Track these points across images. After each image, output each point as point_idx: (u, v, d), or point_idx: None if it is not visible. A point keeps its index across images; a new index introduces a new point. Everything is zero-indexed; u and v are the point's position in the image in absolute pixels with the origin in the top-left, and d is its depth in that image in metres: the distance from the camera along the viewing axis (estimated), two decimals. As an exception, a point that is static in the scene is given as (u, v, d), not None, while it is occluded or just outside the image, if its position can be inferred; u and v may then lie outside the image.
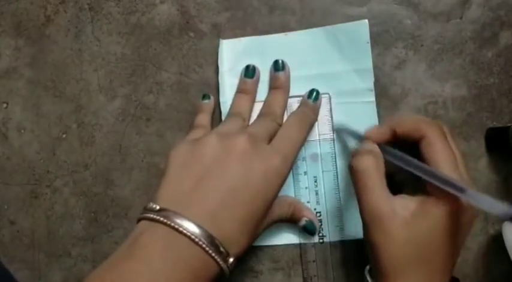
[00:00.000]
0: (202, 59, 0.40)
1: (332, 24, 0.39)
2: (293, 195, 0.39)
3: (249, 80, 0.39)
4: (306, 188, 0.39)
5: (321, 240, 0.39)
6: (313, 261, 0.39)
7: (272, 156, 0.33)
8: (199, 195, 0.31)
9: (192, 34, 0.41)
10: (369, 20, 0.39)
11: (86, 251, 0.41)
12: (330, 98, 0.39)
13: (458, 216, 0.30)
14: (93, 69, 0.41)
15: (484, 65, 0.39)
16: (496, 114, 0.39)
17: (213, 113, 0.40)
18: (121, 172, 0.41)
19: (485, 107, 0.39)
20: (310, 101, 0.39)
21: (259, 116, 0.38)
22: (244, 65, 0.39)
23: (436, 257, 0.31)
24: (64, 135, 0.41)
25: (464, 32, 0.39)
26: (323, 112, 0.39)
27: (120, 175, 0.41)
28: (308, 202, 0.39)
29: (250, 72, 0.39)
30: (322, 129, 0.39)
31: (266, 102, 0.39)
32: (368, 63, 0.39)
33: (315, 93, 0.39)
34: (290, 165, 0.34)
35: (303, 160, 0.39)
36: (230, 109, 0.39)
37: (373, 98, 0.39)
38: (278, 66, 0.39)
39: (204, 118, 0.39)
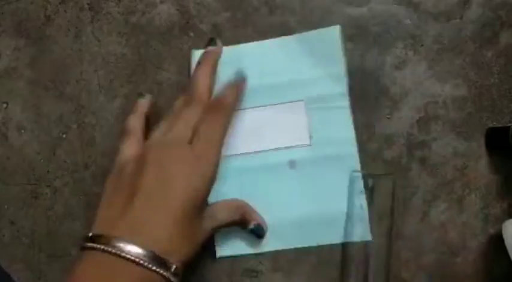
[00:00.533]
0: (202, 59, 0.40)
1: (329, 25, 0.39)
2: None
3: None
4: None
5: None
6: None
7: (192, 157, 0.33)
8: (124, 215, 0.31)
9: (192, 34, 0.41)
10: (368, 20, 0.39)
11: (86, 251, 0.41)
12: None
13: None
14: (93, 69, 0.41)
15: (484, 65, 0.39)
16: (496, 114, 0.39)
17: (150, 113, 0.39)
18: (121, 172, 0.41)
19: (485, 107, 0.39)
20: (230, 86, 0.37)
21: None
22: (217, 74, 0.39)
23: None
24: (64, 135, 0.41)
25: (464, 32, 0.39)
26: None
27: (120, 175, 0.41)
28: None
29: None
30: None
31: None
32: (340, 68, 0.39)
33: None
34: (213, 163, 0.33)
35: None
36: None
37: (346, 103, 0.39)
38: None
39: (134, 121, 0.38)
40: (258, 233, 0.38)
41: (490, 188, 0.39)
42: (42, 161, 0.41)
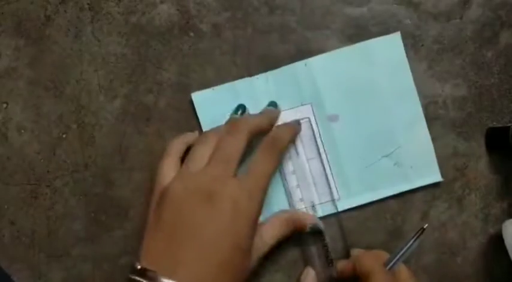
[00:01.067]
0: (202, 59, 0.40)
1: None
2: (284, 195, 0.39)
3: (235, 116, 0.38)
4: (297, 186, 0.39)
5: (330, 264, 0.38)
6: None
7: (237, 195, 0.33)
8: (169, 252, 0.32)
9: (192, 34, 0.41)
10: (368, 20, 0.39)
11: (86, 251, 0.41)
12: (309, 121, 0.39)
13: None
14: (93, 69, 0.41)
15: (484, 65, 0.39)
16: (496, 114, 0.39)
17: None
18: (121, 172, 0.41)
19: (485, 107, 0.39)
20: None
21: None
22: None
23: None
24: (64, 135, 0.41)
25: (464, 32, 0.39)
26: (307, 136, 0.39)
27: (120, 175, 0.41)
28: (301, 199, 0.39)
29: (239, 111, 0.39)
30: (308, 152, 0.40)
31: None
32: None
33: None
34: (258, 199, 0.34)
35: (289, 159, 0.39)
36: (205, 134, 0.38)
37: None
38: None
39: (177, 145, 0.38)
40: (317, 230, 0.38)
41: (490, 188, 0.39)
42: (42, 161, 0.41)
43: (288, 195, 0.39)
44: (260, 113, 0.39)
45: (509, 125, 0.38)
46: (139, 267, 0.31)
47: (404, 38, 0.39)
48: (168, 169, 0.35)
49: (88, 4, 0.41)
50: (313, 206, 0.39)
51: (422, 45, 0.39)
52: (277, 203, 0.39)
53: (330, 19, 0.40)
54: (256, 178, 0.34)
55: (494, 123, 0.39)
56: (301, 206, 0.39)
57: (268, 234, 0.36)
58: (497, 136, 0.38)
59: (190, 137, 0.39)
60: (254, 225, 0.34)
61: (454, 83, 0.39)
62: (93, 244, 0.41)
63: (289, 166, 0.39)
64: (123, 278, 0.41)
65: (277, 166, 0.37)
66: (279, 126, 0.39)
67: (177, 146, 0.37)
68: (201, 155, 0.35)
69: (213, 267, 0.31)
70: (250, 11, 0.40)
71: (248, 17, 0.40)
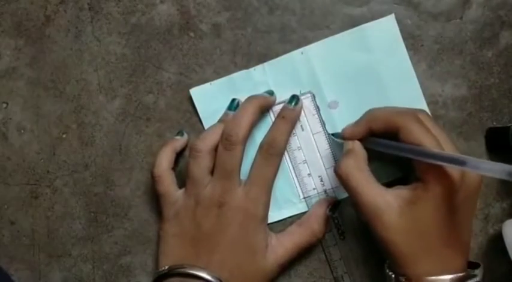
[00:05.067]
0: (202, 59, 0.40)
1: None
2: (292, 171, 0.40)
3: (230, 112, 0.39)
4: (304, 161, 0.39)
5: (341, 237, 0.39)
6: (340, 259, 0.39)
7: (244, 204, 0.36)
8: (196, 260, 0.36)
9: (192, 34, 0.41)
10: (368, 20, 0.39)
11: (86, 251, 0.41)
12: (314, 97, 0.39)
13: (451, 196, 0.30)
14: (93, 69, 0.41)
15: (484, 65, 0.39)
16: (496, 114, 0.39)
17: (183, 150, 0.40)
18: (121, 172, 0.41)
19: (485, 107, 0.39)
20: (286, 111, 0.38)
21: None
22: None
23: (441, 241, 0.31)
24: (64, 135, 0.41)
25: (464, 32, 0.39)
26: (310, 111, 0.39)
27: (120, 175, 0.41)
28: (309, 175, 0.39)
29: (234, 106, 0.39)
30: (313, 127, 0.40)
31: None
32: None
33: (294, 100, 0.38)
34: (263, 203, 0.36)
35: (294, 135, 0.40)
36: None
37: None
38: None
39: (166, 163, 0.38)
40: (335, 210, 0.39)
41: (490, 188, 0.39)
42: (42, 161, 0.41)
43: (296, 171, 0.40)
44: (248, 101, 0.38)
45: (509, 125, 0.38)
46: (166, 267, 0.35)
47: (404, 38, 0.39)
48: (169, 183, 0.38)
49: (88, 4, 0.41)
50: (325, 191, 0.39)
51: (422, 45, 0.39)
52: (283, 180, 0.40)
53: (330, 19, 0.40)
54: (258, 185, 0.36)
55: (494, 123, 0.39)
56: (309, 181, 0.39)
57: (286, 238, 0.37)
58: (497, 136, 0.38)
59: (177, 143, 0.39)
60: (264, 227, 0.37)
61: (454, 83, 0.39)
62: (93, 244, 0.41)
63: (295, 142, 0.39)
64: (123, 278, 0.41)
65: (277, 169, 0.38)
66: (274, 127, 0.38)
67: (166, 157, 0.39)
68: (201, 174, 0.36)
69: (229, 270, 0.35)
70: (250, 11, 0.40)
71: (248, 17, 0.40)
